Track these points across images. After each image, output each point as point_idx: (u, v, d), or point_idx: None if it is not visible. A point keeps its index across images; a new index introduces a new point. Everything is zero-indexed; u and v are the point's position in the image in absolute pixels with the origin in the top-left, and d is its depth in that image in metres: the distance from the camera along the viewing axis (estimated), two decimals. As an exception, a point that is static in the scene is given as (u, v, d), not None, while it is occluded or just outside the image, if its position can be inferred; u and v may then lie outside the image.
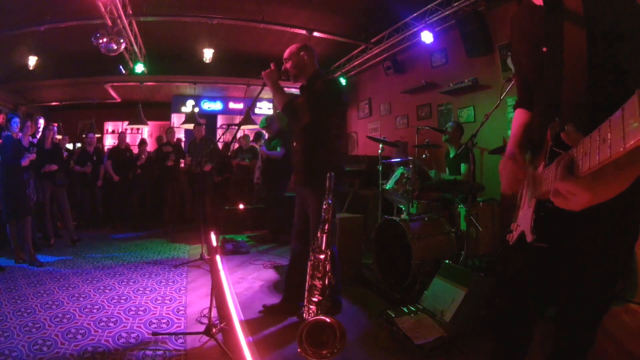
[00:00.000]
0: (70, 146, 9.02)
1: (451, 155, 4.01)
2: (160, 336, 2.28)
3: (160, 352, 2.09)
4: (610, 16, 0.91)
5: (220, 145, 5.72)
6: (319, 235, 1.99)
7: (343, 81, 7.59)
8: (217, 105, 9.62)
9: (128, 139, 6.72)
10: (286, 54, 2.40)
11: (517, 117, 1.29)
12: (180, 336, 2.28)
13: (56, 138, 5.07)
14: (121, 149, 6.31)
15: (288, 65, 2.37)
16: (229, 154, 6.73)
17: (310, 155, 2.33)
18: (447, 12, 4.84)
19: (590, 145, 0.67)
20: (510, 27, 1.26)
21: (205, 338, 2.22)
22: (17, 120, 3.77)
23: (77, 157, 5.80)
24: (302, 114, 2.29)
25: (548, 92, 1.08)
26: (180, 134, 8.78)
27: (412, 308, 2.41)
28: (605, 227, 0.98)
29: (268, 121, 4.81)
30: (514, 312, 1.26)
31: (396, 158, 4.63)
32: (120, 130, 8.93)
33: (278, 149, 4.62)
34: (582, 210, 0.93)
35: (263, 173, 4.72)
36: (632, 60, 0.90)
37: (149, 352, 2.08)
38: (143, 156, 6.15)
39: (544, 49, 1.07)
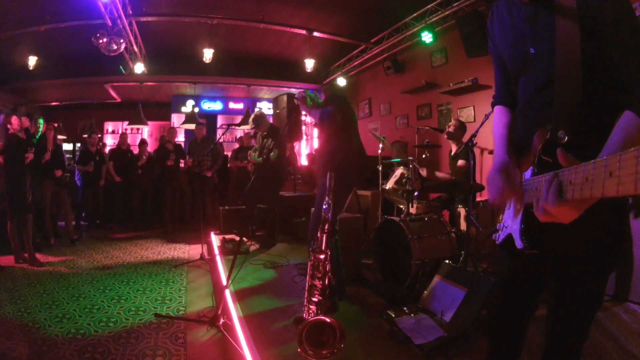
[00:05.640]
0: (70, 146, 9.04)
1: (452, 154, 4.01)
2: (160, 336, 2.28)
3: (160, 352, 2.09)
4: (604, 13, 0.89)
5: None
6: (319, 235, 1.99)
7: (342, 81, 7.59)
8: (217, 105, 9.61)
9: (128, 139, 6.70)
10: (299, 96, 2.92)
11: (500, 117, 1.22)
12: (180, 335, 2.29)
13: (58, 138, 5.07)
14: (122, 149, 6.32)
15: (308, 100, 2.93)
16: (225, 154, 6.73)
17: (327, 154, 2.77)
18: (447, 12, 4.84)
19: (592, 174, 0.62)
20: (491, 17, 1.20)
21: (204, 337, 2.22)
22: (15, 118, 3.79)
23: (79, 157, 5.82)
24: (332, 119, 2.75)
25: (536, 94, 1.05)
26: (180, 134, 8.78)
27: (412, 308, 2.41)
28: (595, 226, 0.95)
29: (257, 120, 4.71)
30: (505, 311, 1.25)
31: (396, 158, 4.63)
32: (120, 131, 8.94)
33: (272, 154, 4.51)
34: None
35: (257, 173, 4.68)
36: (625, 58, 0.88)
37: (148, 352, 2.09)
38: (144, 156, 6.15)
39: (532, 50, 1.03)
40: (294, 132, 3.56)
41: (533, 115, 1.04)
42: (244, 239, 4.52)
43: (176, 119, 9.14)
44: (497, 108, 1.26)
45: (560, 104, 0.95)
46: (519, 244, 1.00)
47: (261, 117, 4.75)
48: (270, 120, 5.11)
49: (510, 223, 1.10)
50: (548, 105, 0.98)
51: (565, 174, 0.70)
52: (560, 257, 1.02)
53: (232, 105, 9.68)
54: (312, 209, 2.85)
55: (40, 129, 4.46)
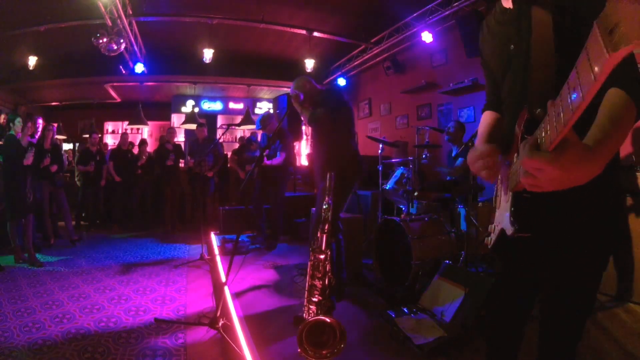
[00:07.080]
0: (70, 146, 9.02)
1: (453, 154, 4.02)
2: (159, 337, 2.28)
3: (160, 352, 2.09)
4: (577, 2, 0.89)
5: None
6: (319, 235, 1.99)
7: (342, 81, 7.59)
8: (217, 105, 9.62)
9: (129, 139, 6.70)
10: (295, 87, 2.77)
11: (484, 118, 1.28)
12: (180, 336, 2.29)
13: (56, 138, 5.07)
14: (122, 149, 6.32)
15: (302, 97, 2.77)
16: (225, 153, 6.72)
17: (325, 154, 2.69)
18: (447, 12, 4.84)
19: (550, 118, 0.65)
20: (481, 31, 1.25)
21: (204, 337, 2.22)
22: (19, 120, 3.79)
23: (80, 157, 5.82)
24: (320, 123, 2.67)
25: (516, 85, 1.07)
26: (180, 134, 8.78)
27: (412, 308, 2.41)
28: (586, 214, 0.95)
29: (265, 121, 4.72)
30: (501, 313, 1.26)
31: (396, 158, 4.63)
32: (120, 131, 8.95)
33: (277, 154, 4.52)
34: (561, 199, 0.89)
35: (260, 173, 4.66)
36: None
37: (148, 352, 2.09)
38: (144, 156, 6.16)
39: (512, 46, 1.06)
40: (294, 132, 3.55)
41: (515, 109, 1.05)
42: (247, 237, 4.52)
43: (176, 119, 9.15)
44: (485, 113, 1.30)
45: (535, 86, 0.96)
46: (509, 230, 0.99)
47: (268, 118, 4.73)
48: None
49: (499, 218, 1.10)
50: (526, 95, 0.99)
51: (539, 129, 0.71)
52: (552, 246, 1.02)
53: (232, 105, 9.69)
54: (312, 209, 2.85)
55: (40, 129, 4.45)
